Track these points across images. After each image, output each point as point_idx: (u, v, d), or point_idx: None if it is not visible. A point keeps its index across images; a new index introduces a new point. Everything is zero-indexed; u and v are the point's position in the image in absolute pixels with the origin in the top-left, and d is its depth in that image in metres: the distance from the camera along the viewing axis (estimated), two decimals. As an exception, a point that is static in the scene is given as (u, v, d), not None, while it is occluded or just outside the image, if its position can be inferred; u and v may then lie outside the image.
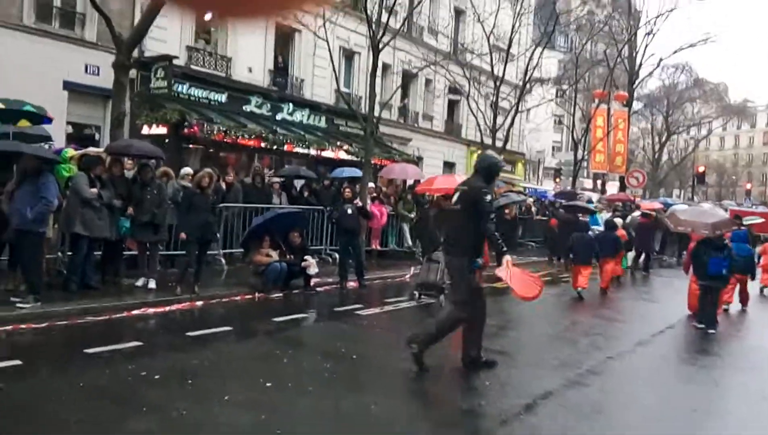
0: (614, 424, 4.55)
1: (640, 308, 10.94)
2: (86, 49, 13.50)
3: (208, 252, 11.06)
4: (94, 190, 8.00)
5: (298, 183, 13.51)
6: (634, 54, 25.87)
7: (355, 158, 17.61)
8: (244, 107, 16.55)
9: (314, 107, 18.23)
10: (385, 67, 21.68)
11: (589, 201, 21.71)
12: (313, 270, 9.95)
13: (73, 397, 4.34)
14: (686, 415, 4.88)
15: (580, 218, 14.77)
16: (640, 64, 25.97)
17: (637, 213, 16.52)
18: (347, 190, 11.13)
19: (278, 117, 17.53)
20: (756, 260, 11.53)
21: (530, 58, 18.51)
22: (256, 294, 9.27)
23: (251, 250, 9.91)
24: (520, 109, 19.90)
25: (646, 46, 25.11)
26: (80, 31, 13.58)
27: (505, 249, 5.40)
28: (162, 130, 13.67)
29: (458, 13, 24.32)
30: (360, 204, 11.17)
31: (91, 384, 4.61)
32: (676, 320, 9.15)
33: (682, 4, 24.53)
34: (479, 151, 23.55)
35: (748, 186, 56.02)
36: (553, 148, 47.67)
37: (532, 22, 23.71)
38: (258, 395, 4.57)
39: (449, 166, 25.17)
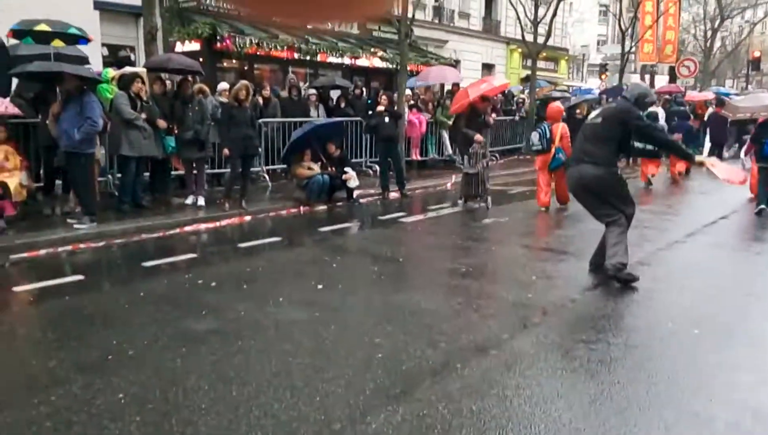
0: (664, 306, 4.54)
1: (696, 200, 10.68)
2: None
3: (252, 168, 11.28)
4: (135, 111, 8.08)
5: (334, 94, 13.30)
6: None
7: (390, 65, 17.14)
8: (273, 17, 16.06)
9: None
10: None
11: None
12: (353, 183, 9.98)
13: (135, 304, 4.57)
14: (738, 298, 4.83)
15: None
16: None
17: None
18: (383, 97, 10.90)
19: (308, 25, 16.99)
20: None
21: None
22: (301, 207, 9.42)
23: (293, 165, 9.98)
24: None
25: None
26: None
27: (691, 153, 5.85)
28: (195, 45, 13.50)
29: None
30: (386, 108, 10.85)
31: (151, 292, 4.85)
32: (730, 211, 8.90)
33: None
34: (519, 50, 22.65)
35: (811, 70, 52.30)
36: (598, 42, 45.26)
37: None
38: (311, 295, 4.73)
39: (488, 68, 24.31)
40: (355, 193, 10.27)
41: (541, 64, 27.28)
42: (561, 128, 9.01)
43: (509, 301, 4.72)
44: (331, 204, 9.75)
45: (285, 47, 14.23)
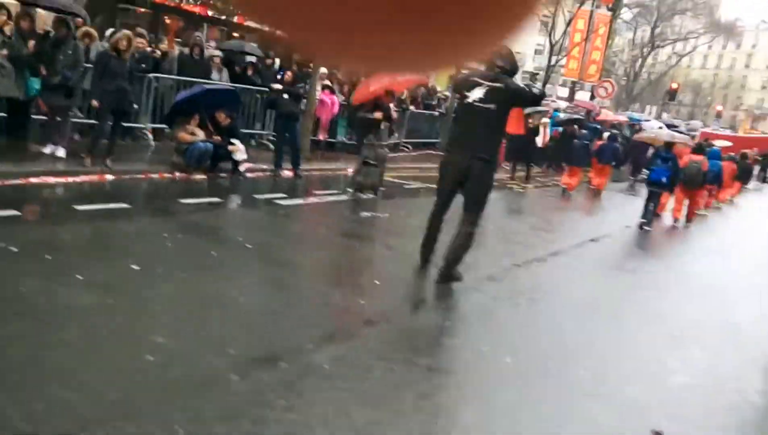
0: (493, 327, 4.39)
1: (582, 218, 10.89)
2: None
3: (134, 125, 10.51)
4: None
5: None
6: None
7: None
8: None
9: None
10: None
11: (556, 109, 21.21)
12: (240, 155, 9.46)
13: None
14: (570, 326, 4.77)
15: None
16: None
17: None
18: (288, 73, 10.38)
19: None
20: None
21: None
22: (176, 173, 8.84)
23: (175, 127, 9.33)
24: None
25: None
26: None
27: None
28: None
29: None
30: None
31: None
32: (603, 234, 9.04)
33: None
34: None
35: (719, 108, 55.76)
36: (535, 51, 46.17)
37: None
38: (117, 277, 4.25)
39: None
40: (243, 166, 9.76)
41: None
42: None
43: (338, 306, 4.43)
44: (212, 174, 9.21)
45: (198, 1, 13.37)
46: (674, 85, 30.86)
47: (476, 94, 4.93)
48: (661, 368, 4.06)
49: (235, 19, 14.44)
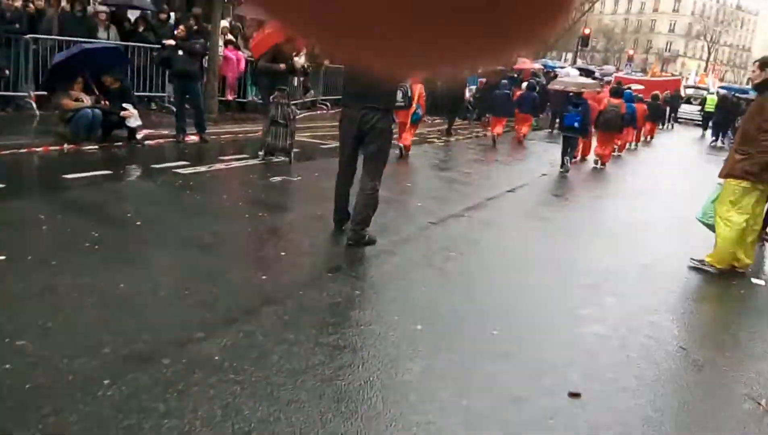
0: (401, 294, 4.14)
1: (499, 169, 10.81)
2: None
3: (14, 93, 9.49)
4: None
5: (134, 15, 11.57)
6: None
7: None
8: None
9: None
10: None
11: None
12: (133, 121, 8.72)
13: None
14: (487, 285, 4.60)
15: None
16: None
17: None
18: (180, 27, 9.55)
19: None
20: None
21: None
22: (65, 145, 8.04)
23: (58, 93, 8.42)
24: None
25: None
26: None
27: None
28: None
29: None
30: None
31: None
32: (521, 184, 9.01)
33: None
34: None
35: (630, 52, 57.69)
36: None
37: None
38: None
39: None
40: (140, 134, 9.03)
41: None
42: (419, 88, 9.88)
43: (236, 285, 4.04)
44: (106, 144, 8.45)
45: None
46: (586, 31, 31.36)
47: None
48: (575, 322, 3.95)
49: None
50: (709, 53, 70.68)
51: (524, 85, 15.17)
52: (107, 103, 8.50)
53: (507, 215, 6.92)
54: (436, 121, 15.56)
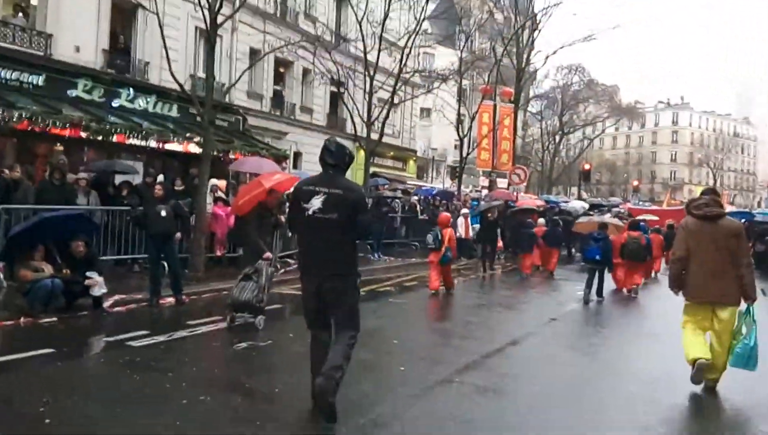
0: None
1: (503, 316, 9.84)
2: None
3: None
4: None
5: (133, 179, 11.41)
6: (521, 50, 25.43)
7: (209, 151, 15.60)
8: (68, 92, 14.10)
9: (162, 94, 15.98)
10: (254, 52, 19.84)
11: (474, 199, 20.90)
12: (98, 290, 8.06)
13: None
14: None
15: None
16: (527, 61, 25.48)
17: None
18: (158, 187, 9.23)
19: (115, 104, 15.15)
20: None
21: (405, 46, 17.17)
22: (21, 318, 7.32)
23: (18, 264, 7.85)
24: (396, 101, 18.61)
25: (533, 41, 24.60)
26: None
27: None
28: (-55, 116, 11.15)
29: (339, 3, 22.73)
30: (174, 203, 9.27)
31: None
32: (526, 333, 8.00)
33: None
34: (357, 147, 22.32)
35: (635, 183, 58.39)
36: (455, 146, 47.39)
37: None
38: None
39: (332, 163, 23.58)
40: (108, 301, 8.36)
41: (389, 162, 27.36)
42: (449, 232, 11.27)
43: None
44: (68, 315, 7.71)
45: (67, 124, 12.21)
46: (586, 166, 31.72)
47: (315, 205, 4.34)
48: None
49: (114, 139, 13.34)
50: (715, 179, 71.47)
51: (540, 220, 16.03)
52: (68, 272, 7.88)
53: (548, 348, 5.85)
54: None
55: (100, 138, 12.99)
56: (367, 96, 16.98)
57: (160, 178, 12.72)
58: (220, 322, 7.77)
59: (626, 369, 6.48)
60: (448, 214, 13.00)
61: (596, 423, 4.71)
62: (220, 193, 12.85)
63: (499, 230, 16.75)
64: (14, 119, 11.32)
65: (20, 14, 13.91)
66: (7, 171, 9.62)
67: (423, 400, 4.95)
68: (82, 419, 4.22)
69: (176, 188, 12.12)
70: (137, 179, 12.71)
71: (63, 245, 8.11)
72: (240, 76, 14.21)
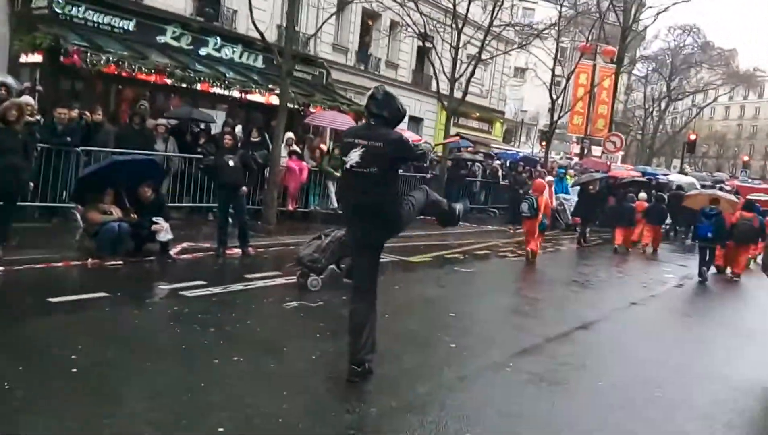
0: None
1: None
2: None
3: (61, 205, 9.31)
4: None
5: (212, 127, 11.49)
6: (629, 4, 23.28)
7: (292, 105, 15.50)
8: (157, 38, 14.36)
9: (249, 44, 15.94)
10: (342, 4, 19.35)
11: (561, 167, 19.76)
12: (163, 235, 8.11)
13: None
14: None
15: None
16: (635, 17, 23.40)
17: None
18: (227, 137, 9.15)
19: (202, 52, 15.32)
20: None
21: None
22: (90, 260, 7.52)
23: (88, 206, 8.04)
24: (485, 58, 17.64)
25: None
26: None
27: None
28: (38, 57, 11.60)
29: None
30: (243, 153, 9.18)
31: None
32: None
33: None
34: (440, 106, 21.57)
35: (745, 158, 53.40)
36: (549, 109, 45.31)
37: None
38: None
39: (416, 122, 23.06)
40: (176, 248, 8.49)
41: (474, 124, 26.36)
42: (545, 200, 11.16)
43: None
44: (135, 259, 7.86)
45: (153, 70, 12.41)
46: (692, 136, 29.13)
47: (353, 158, 4.12)
48: None
49: (198, 87, 13.48)
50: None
51: (641, 195, 15.31)
52: (136, 216, 7.99)
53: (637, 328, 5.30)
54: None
55: (184, 85, 13.17)
56: (453, 51, 16.13)
57: (238, 128, 12.77)
58: (278, 277, 7.67)
59: (711, 371, 5.72)
60: (543, 181, 12.63)
61: (663, 433, 4.13)
62: (295, 147, 12.74)
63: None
64: (101, 63, 11.60)
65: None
66: (88, 113, 9.83)
67: (469, 384, 4.54)
68: (109, 370, 4.15)
69: (252, 139, 12.13)
70: (217, 129, 12.82)
71: (132, 190, 8.23)
72: (321, 25, 13.86)
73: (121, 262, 7.64)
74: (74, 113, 9.74)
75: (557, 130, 26.02)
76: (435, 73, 16.92)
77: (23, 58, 11.85)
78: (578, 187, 15.76)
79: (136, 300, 6.14)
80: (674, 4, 22.23)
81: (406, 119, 21.58)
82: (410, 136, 11.04)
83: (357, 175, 4.08)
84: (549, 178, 17.53)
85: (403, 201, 4.32)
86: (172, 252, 8.50)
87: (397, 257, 9.73)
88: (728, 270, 11.63)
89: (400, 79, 22.33)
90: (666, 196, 15.55)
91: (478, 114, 25.80)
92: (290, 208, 12.61)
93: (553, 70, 21.74)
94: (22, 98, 9.15)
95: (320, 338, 5.31)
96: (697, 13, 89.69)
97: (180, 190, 10.83)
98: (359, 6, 19.25)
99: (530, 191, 12.07)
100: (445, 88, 16.57)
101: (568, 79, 21.29)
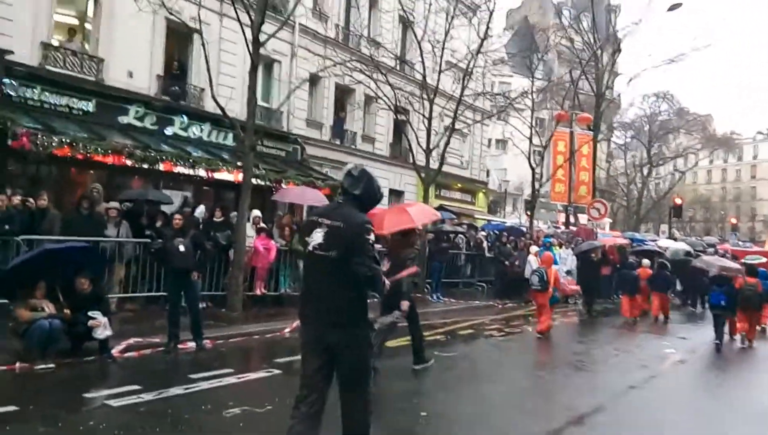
0: None
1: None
2: None
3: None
4: None
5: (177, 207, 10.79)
6: (600, 72, 23.52)
7: (263, 182, 14.91)
8: (119, 118, 13.83)
9: (217, 121, 15.48)
10: (315, 80, 19.24)
11: (547, 236, 19.14)
12: (102, 332, 7.23)
13: None
14: None
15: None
16: (608, 85, 23.53)
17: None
18: (176, 217, 8.41)
19: (168, 131, 14.80)
20: None
21: (467, 67, 15.88)
22: (18, 363, 6.60)
23: (17, 302, 7.15)
24: (459, 127, 17.33)
25: (614, 63, 22.65)
26: None
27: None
28: (-16, 141, 10.98)
29: (405, 26, 21.86)
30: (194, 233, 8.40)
31: None
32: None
33: (651, 17, 21.81)
34: (419, 178, 21.12)
35: (734, 220, 53.33)
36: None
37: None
38: None
39: (397, 195, 22.57)
40: (121, 346, 7.58)
41: (456, 195, 25.92)
42: (555, 272, 11.37)
43: None
44: (70, 359, 6.94)
45: (110, 151, 11.79)
46: (678, 201, 28.87)
47: (315, 239, 3.72)
48: None
49: (162, 167, 12.85)
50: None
51: (644, 262, 14.92)
52: (69, 312, 7.10)
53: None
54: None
55: (145, 166, 12.54)
56: (427, 122, 15.80)
57: (201, 208, 12.07)
58: (229, 375, 6.74)
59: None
60: (551, 254, 12.57)
61: None
62: (263, 224, 12.02)
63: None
64: (53, 145, 10.97)
65: (74, 38, 13.82)
66: (32, 199, 9.10)
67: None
68: None
69: (215, 220, 11.43)
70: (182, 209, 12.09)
71: (70, 281, 7.38)
72: (287, 98, 13.55)
73: (52, 365, 6.71)
74: (16, 199, 9.03)
75: (543, 199, 25.67)
76: (410, 145, 16.54)
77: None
78: (574, 257, 15.65)
79: (47, 415, 5.16)
80: (644, 70, 22.68)
81: (386, 194, 20.98)
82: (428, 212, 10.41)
83: (318, 258, 3.67)
84: (534, 247, 16.91)
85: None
86: (117, 349, 7.61)
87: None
88: (737, 336, 11.58)
89: (378, 153, 21.98)
90: (668, 263, 15.27)
91: (459, 185, 25.40)
92: (258, 292, 11.73)
93: (530, 139, 21.55)
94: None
95: None
96: (670, 80, 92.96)
97: (135, 278, 9.97)
98: (332, 81, 19.08)
99: (539, 263, 12.25)
100: (422, 159, 16.13)
101: (545, 148, 21.04)
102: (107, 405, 5.43)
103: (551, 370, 8.43)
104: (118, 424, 4.88)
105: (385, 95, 16.25)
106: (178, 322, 8.14)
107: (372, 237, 3.65)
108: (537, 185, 20.31)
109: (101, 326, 7.22)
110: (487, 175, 30.75)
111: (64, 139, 11.15)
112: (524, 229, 19.83)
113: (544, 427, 5.49)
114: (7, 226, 8.40)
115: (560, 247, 17.19)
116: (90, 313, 7.20)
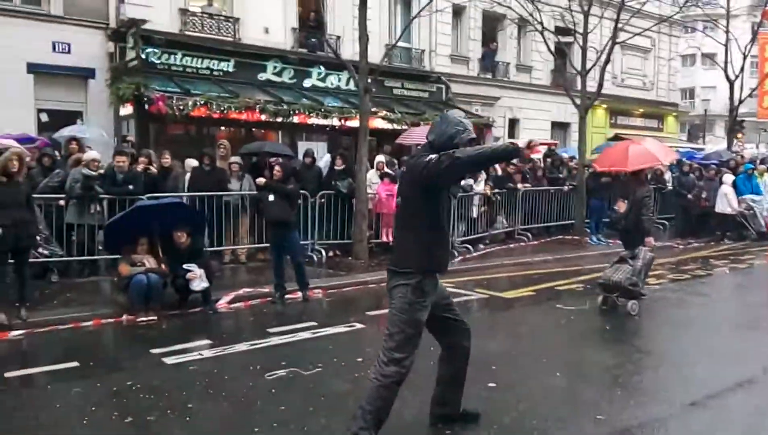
0: None
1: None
2: (53, 24, 12.07)
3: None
4: None
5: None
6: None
7: (398, 126, 14.29)
8: (258, 75, 14.12)
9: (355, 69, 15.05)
10: (458, 11, 17.78)
11: (749, 162, 15.75)
12: (198, 284, 7.28)
13: None
14: None
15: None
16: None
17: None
18: (276, 169, 8.11)
19: (306, 84, 14.80)
20: None
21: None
22: (125, 316, 6.95)
23: (122, 257, 7.48)
24: (621, 39, 14.72)
25: None
26: (46, 5, 12.16)
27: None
28: (129, 108, 11.85)
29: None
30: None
31: None
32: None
33: None
34: (604, 106, 18.67)
35: None
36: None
37: None
38: None
39: (561, 127, 20.42)
40: (229, 297, 7.72)
41: (637, 121, 22.63)
42: None
43: None
44: (176, 312, 7.16)
45: (244, 108, 12.02)
46: None
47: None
48: None
49: (296, 120, 12.84)
50: None
51: None
52: (163, 265, 7.24)
53: None
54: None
55: (279, 120, 12.65)
56: (582, 38, 13.64)
57: (326, 158, 11.82)
58: (306, 330, 6.34)
59: None
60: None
61: None
62: (387, 170, 11.41)
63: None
64: (189, 107, 11.47)
65: (212, 2, 14.29)
66: (146, 162, 9.49)
67: None
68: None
69: (336, 168, 11.09)
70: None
71: (169, 236, 7.53)
72: (401, 36, 12.36)
73: (154, 318, 6.91)
74: (142, 160, 9.52)
75: (749, 119, 21.29)
76: (576, 71, 14.41)
77: (121, 111, 12.23)
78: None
79: (105, 371, 5.18)
80: None
81: (548, 127, 18.83)
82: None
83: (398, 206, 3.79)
84: (728, 175, 14.09)
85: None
86: (225, 300, 7.69)
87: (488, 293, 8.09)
88: None
89: (536, 82, 19.91)
90: None
91: (641, 110, 22.15)
92: (384, 238, 11.24)
93: (726, 42, 17.52)
94: (89, 153, 9.11)
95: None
96: None
97: (258, 229, 10.08)
98: (478, 10, 17.49)
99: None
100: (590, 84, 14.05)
101: (745, 56, 17.03)
102: (162, 363, 5.32)
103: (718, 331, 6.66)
104: (151, 385, 4.68)
105: (541, 16, 14.23)
106: (283, 273, 7.97)
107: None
108: (736, 101, 16.70)
109: (197, 278, 7.27)
110: (686, 98, 26.43)
111: (198, 101, 11.59)
112: (728, 156, 16.46)
113: (659, 410, 4.17)
114: (131, 187, 8.85)
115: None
116: (186, 266, 7.28)
